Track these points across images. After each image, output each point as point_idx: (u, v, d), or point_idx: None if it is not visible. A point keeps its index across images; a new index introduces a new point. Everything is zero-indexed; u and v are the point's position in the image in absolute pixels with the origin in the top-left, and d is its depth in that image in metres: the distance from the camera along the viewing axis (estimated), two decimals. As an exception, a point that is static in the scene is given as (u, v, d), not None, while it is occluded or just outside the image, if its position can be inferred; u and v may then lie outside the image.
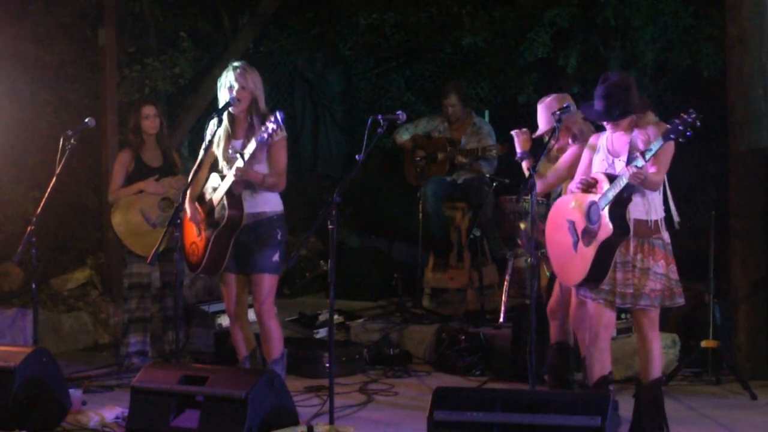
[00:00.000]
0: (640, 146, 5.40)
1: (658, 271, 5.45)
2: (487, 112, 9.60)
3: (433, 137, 8.86)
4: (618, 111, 5.44)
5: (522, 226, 7.39)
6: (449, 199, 8.83)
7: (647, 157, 5.25)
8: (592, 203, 5.48)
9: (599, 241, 5.43)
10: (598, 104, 5.51)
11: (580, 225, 5.57)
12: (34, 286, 6.55)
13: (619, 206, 5.39)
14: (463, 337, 7.53)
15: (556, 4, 9.33)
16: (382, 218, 10.82)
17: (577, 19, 9.37)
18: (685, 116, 5.13)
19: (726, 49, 7.37)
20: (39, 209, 6.47)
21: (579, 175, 5.72)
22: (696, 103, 5.18)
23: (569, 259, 5.64)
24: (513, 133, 6.40)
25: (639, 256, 5.44)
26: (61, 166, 6.50)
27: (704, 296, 7.15)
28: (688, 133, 5.13)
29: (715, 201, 7.15)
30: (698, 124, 5.11)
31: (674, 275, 5.52)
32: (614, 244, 5.43)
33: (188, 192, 6.11)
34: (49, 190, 6.50)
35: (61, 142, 6.53)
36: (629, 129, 5.49)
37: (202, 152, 6.10)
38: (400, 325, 8.15)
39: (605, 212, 5.40)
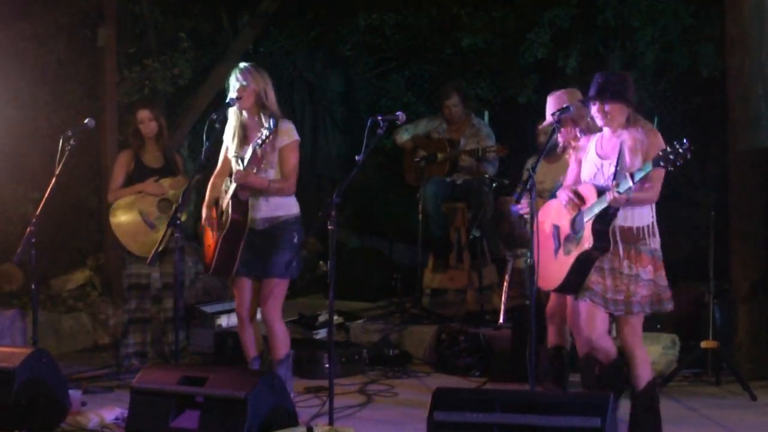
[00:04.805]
0: (627, 152, 5.34)
1: (646, 277, 5.42)
2: (486, 113, 9.57)
3: (433, 138, 8.85)
4: (610, 93, 5.34)
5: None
6: (449, 200, 8.81)
7: (636, 179, 5.16)
8: (579, 212, 5.47)
9: (578, 251, 5.42)
10: (592, 90, 5.44)
11: (564, 231, 5.56)
12: (33, 286, 6.53)
13: (602, 222, 5.34)
14: (463, 338, 7.52)
15: (556, 4, 9.33)
16: (382, 219, 10.82)
17: (577, 20, 9.37)
18: (678, 146, 5.01)
19: (726, 49, 7.36)
20: (38, 210, 6.45)
21: (567, 182, 5.71)
22: (689, 138, 5.06)
23: (549, 264, 5.65)
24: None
25: (626, 263, 5.41)
26: (60, 166, 6.48)
27: (704, 296, 7.15)
28: (678, 163, 5.02)
29: (715, 201, 7.12)
30: (689, 156, 5.00)
31: (662, 281, 5.47)
32: (592, 257, 5.40)
33: (207, 196, 6.14)
34: (48, 190, 6.48)
35: (60, 143, 6.51)
36: (620, 128, 5.42)
37: (218, 157, 6.15)
38: (400, 325, 8.14)
39: (588, 225, 5.37)
